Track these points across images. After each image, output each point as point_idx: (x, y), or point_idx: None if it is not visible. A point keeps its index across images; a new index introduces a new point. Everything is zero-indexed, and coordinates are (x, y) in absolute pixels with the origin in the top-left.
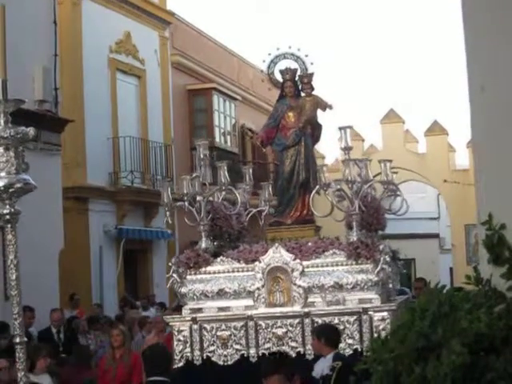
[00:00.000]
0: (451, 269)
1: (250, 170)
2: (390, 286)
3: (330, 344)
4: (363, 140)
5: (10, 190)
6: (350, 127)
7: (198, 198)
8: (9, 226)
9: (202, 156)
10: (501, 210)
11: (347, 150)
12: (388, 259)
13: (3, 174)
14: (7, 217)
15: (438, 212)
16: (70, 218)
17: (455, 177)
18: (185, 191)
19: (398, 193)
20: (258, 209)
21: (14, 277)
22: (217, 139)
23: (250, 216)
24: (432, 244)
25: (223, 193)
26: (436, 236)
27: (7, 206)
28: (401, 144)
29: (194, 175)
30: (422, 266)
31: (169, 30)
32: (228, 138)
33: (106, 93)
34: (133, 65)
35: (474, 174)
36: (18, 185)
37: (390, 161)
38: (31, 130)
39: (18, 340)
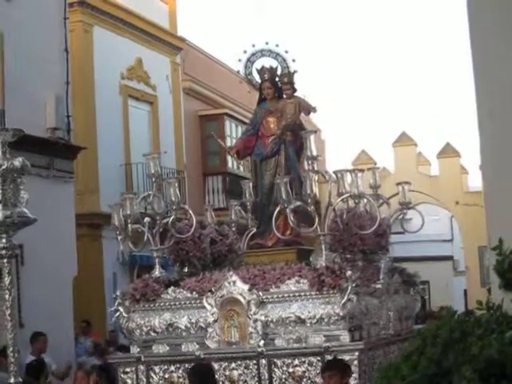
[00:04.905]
0: (465, 291)
1: (250, 185)
2: (383, 317)
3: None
4: (375, 163)
5: (7, 223)
6: (314, 132)
7: (146, 219)
8: (5, 261)
9: (152, 171)
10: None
11: (311, 159)
12: (358, 288)
13: None
14: (3, 251)
15: (452, 234)
16: (84, 244)
17: (468, 199)
18: (128, 212)
19: (406, 213)
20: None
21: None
22: (229, 165)
23: (248, 237)
24: (446, 266)
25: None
26: (450, 258)
27: (3, 240)
28: (413, 166)
29: (145, 194)
30: (435, 288)
31: (180, 56)
32: (240, 163)
33: (118, 119)
34: (144, 91)
35: (484, 199)
36: (14, 218)
37: (362, 170)
38: (25, 161)
39: (12, 380)
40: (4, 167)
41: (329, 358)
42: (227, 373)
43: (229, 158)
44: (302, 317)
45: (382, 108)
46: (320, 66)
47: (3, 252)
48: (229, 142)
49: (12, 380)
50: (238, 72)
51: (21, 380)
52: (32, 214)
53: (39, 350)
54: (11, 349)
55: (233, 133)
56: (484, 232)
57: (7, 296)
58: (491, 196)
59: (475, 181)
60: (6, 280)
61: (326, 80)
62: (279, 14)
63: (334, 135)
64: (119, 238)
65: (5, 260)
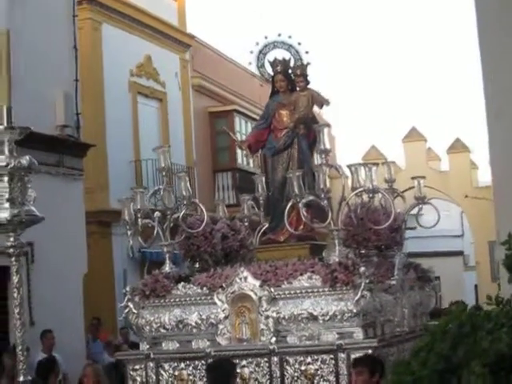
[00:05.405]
0: (476, 286)
1: (263, 179)
2: (398, 313)
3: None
4: (386, 159)
5: (14, 222)
6: (327, 125)
7: (157, 213)
8: (13, 259)
9: (163, 165)
10: None
11: (324, 152)
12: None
13: (7, 205)
14: (11, 250)
15: (462, 229)
16: (94, 241)
17: (478, 194)
18: (138, 206)
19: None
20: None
21: (17, 311)
22: (239, 161)
23: (260, 232)
24: (456, 261)
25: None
26: (460, 253)
27: (11, 239)
28: (423, 162)
29: (155, 188)
30: (446, 284)
31: (189, 53)
32: (250, 159)
33: (127, 116)
34: (154, 88)
35: (493, 195)
36: (22, 217)
37: (376, 164)
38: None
39: (21, 379)
40: (11, 165)
41: (342, 355)
42: (238, 370)
43: (238, 155)
44: (315, 313)
45: (392, 104)
46: (329, 63)
47: (11, 250)
48: (238, 139)
49: (21, 378)
50: (250, 64)
51: (30, 378)
52: (41, 212)
53: (49, 347)
54: (20, 347)
55: (242, 129)
56: (494, 227)
57: (16, 294)
58: (500, 192)
59: (485, 176)
60: (15, 278)
61: (335, 76)
62: (288, 11)
63: (343, 131)
64: (129, 232)
65: (13, 258)
